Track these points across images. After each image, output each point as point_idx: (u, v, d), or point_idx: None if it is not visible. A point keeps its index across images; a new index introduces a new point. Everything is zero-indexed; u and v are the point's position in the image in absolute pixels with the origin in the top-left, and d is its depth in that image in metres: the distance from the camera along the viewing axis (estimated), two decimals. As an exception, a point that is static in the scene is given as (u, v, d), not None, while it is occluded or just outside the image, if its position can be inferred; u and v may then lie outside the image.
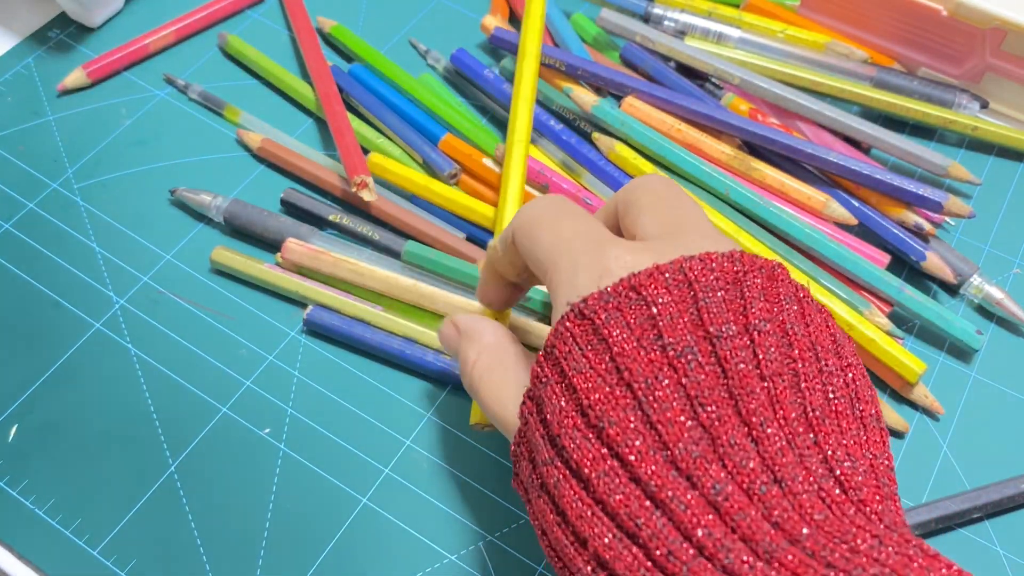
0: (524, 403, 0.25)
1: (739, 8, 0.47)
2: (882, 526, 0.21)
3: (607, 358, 0.23)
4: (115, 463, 0.34)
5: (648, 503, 0.21)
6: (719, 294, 0.23)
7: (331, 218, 0.39)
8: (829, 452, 0.22)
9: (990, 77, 0.45)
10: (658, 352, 0.22)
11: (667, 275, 0.23)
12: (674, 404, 0.22)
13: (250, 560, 0.32)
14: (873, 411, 0.24)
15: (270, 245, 0.39)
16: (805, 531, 0.20)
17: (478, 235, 0.39)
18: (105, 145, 0.43)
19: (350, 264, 0.37)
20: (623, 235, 0.29)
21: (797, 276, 0.37)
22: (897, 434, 0.36)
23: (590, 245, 0.25)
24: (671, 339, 0.22)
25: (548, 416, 0.23)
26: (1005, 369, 0.38)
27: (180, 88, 0.45)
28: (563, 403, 0.23)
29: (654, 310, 0.23)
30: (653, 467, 0.21)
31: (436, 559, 0.32)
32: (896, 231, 0.39)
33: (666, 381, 0.22)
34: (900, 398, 0.37)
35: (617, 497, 0.21)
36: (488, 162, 0.41)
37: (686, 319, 0.23)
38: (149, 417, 0.35)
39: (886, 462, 0.23)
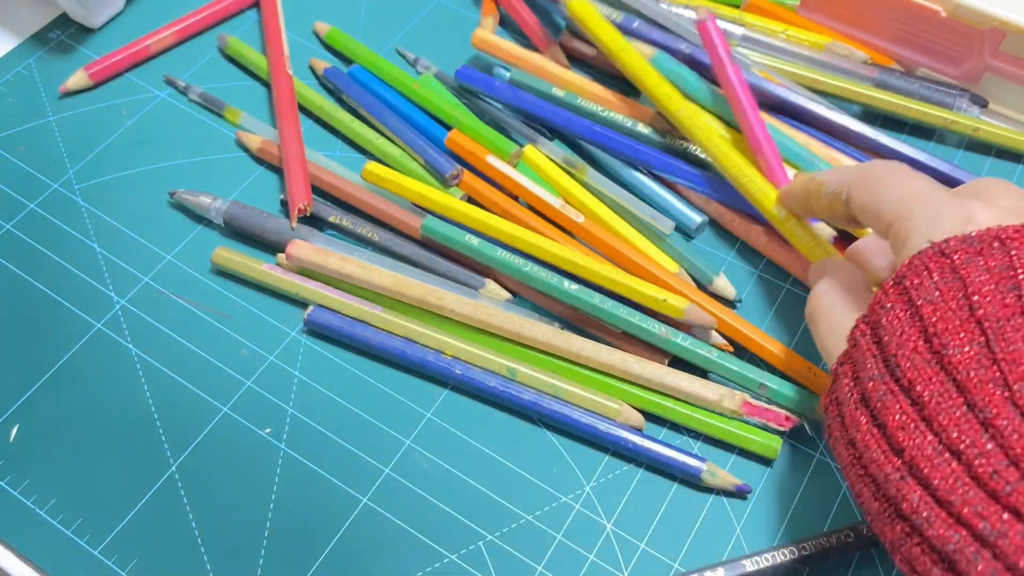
0: (858, 326, 0.26)
1: (739, 8, 0.47)
2: None
3: (960, 295, 0.24)
4: (116, 463, 0.34)
5: (979, 426, 0.22)
6: None
7: (331, 219, 0.39)
8: None
9: (989, 77, 0.45)
10: (1013, 299, 0.23)
11: None
12: (1021, 346, 0.23)
13: (251, 560, 0.32)
14: None
15: (270, 246, 0.39)
16: None
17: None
18: (106, 146, 0.43)
19: (357, 262, 0.37)
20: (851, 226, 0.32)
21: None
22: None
23: (950, 198, 0.27)
24: (978, 303, 0.24)
25: (885, 338, 0.25)
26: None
27: (180, 89, 0.45)
28: (906, 327, 0.24)
29: (1015, 261, 0.24)
30: (991, 396, 0.22)
31: (436, 559, 0.32)
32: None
33: (1016, 325, 0.23)
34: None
35: (948, 415, 0.23)
36: (492, 160, 0.41)
37: (1002, 283, 0.24)
38: (150, 417, 0.35)
39: None
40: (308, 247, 0.38)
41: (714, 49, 0.41)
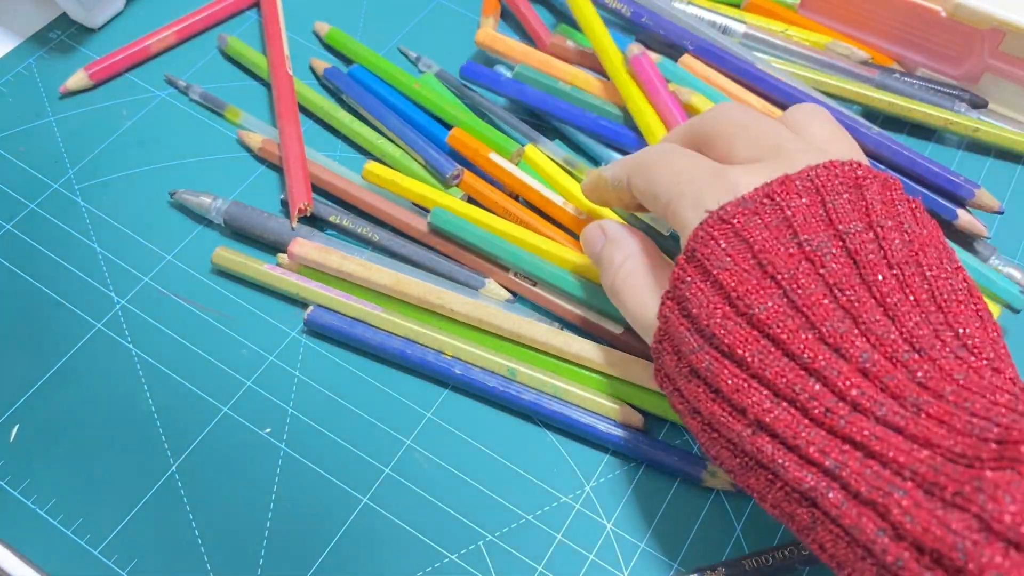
0: (664, 304, 0.27)
1: (740, 8, 0.47)
2: (1018, 388, 0.23)
3: (749, 256, 0.25)
4: (116, 463, 0.34)
5: (803, 372, 0.24)
6: (844, 196, 0.26)
7: (331, 219, 0.39)
8: (960, 330, 0.25)
9: (988, 77, 0.45)
10: (795, 248, 0.25)
11: (797, 183, 0.26)
12: (815, 291, 0.25)
13: (251, 560, 0.32)
14: (986, 309, 0.26)
15: (270, 246, 0.39)
16: (948, 388, 0.22)
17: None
18: (106, 146, 0.43)
19: (359, 260, 0.37)
20: None
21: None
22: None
23: (711, 172, 0.28)
24: (806, 236, 0.25)
25: (694, 311, 0.26)
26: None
27: (181, 89, 0.45)
28: (709, 296, 0.26)
29: (788, 212, 0.26)
30: (804, 342, 0.24)
31: (436, 559, 0.32)
32: (927, 192, 0.40)
33: (805, 271, 0.25)
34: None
35: (773, 369, 0.24)
36: (495, 157, 0.41)
37: (817, 219, 0.26)
38: (150, 417, 0.35)
39: (1004, 346, 0.26)
40: (310, 245, 0.38)
41: (651, 84, 0.41)
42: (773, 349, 0.24)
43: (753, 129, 0.30)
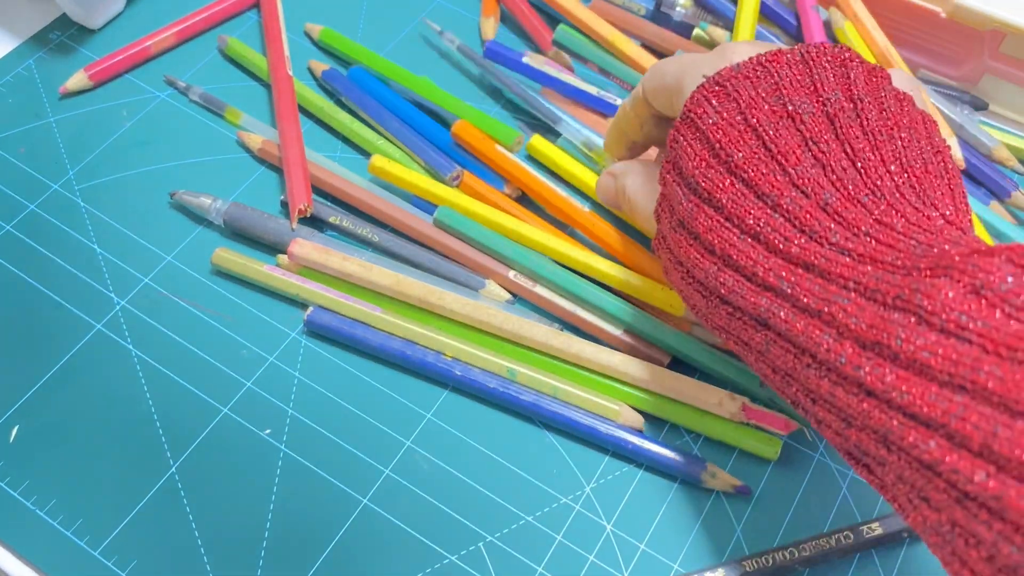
0: (662, 167, 0.30)
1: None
2: (968, 235, 0.25)
3: (736, 111, 0.28)
4: (116, 464, 0.34)
5: (769, 210, 0.26)
6: (829, 71, 0.28)
7: (331, 220, 0.39)
8: (923, 189, 0.27)
9: (988, 79, 0.45)
10: (779, 107, 0.28)
11: (788, 56, 0.29)
12: (791, 141, 0.27)
13: (251, 560, 0.32)
14: (962, 188, 0.28)
15: (270, 247, 0.39)
16: (899, 223, 0.25)
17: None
18: (106, 147, 0.43)
19: (359, 261, 0.37)
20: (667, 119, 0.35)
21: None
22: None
23: (712, 53, 0.31)
24: (790, 97, 0.28)
25: (684, 167, 0.28)
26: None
27: (181, 90, 0.45)
28: (697, 149, 0.28)
29: (776, 78, 0.28)
30: (774, 183, 0.26)
31: (436, 559, 0.32)
32: (986, 168, 0.41)
33: (785, 127, 0.27)
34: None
35: (743, 209, 0.26)
36: (501, 149, 0.41)
37: (803, 85, 0.28)
38: (150, 418, 0.35)
39: (971, 220, 0.27)
40: (310, 246, 0.38)
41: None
42: (746, 191, 0.27)
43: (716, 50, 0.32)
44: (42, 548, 0.32)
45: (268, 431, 0.35)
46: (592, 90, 0.43)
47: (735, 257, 0.26)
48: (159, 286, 0.38)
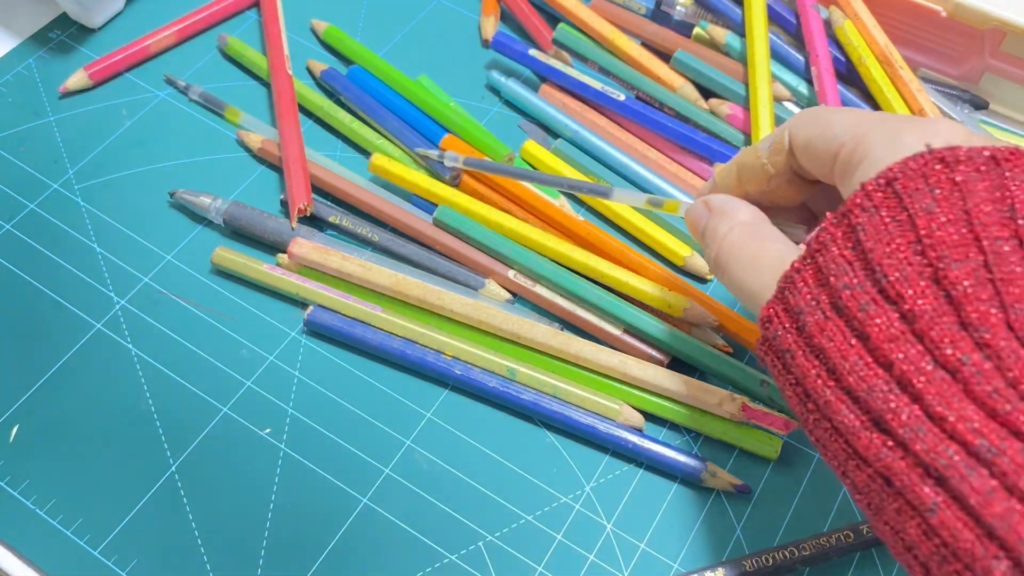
0: (826, 228, 0.24)
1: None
2: None
3: (959, 208, 0.23)
4: (116, 463, 0.34)
5: (975, 345, 0.21)
6: None
7: (331, 219, 0.39)
8: None
9: (989, 78, 0.45)
10: (1009, 218, 0.22)
11: (1017, 154, 0.23)
12: (1017, 269, 0.22)
13: (251, 560, 0.32)
14: None
15: (270, 247, 0.39)
16: None
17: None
18: (106, 146, 0.43)
19: (359, 260, 0.37)
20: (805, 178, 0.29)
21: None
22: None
23: (909, 119, 0.25)
24: (1023, 212, 0.23)
25: (868, 243, 0.23)
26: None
27: (180, 89, 0.45)
28: (894, 233, 0.23)
29: (1013, 185, 0.23)
30: (987, 316, 0.21)
31: (436, 559, 0.32)
32: None
33: (1013, 246, 0.22)
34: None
35: (940, 331, 0.21)
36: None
37: (998, 204, 0.23)
38: (150, 417, 0.35)
39: None
40: (310, 245, 0.38)
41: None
42: (950, 311, 0.22)
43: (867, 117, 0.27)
44: (42, 547, 0.32)
45: (268, 430, 0.35)
46: (596, 85, 0.43)
47: (919, 387, 0.21)
48: (159, 285, 0.38)
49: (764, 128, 0.40)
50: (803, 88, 0.43)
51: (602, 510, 0.34)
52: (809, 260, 0.24)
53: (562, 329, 0.37)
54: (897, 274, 0.22)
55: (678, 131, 0.42)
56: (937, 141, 0.24)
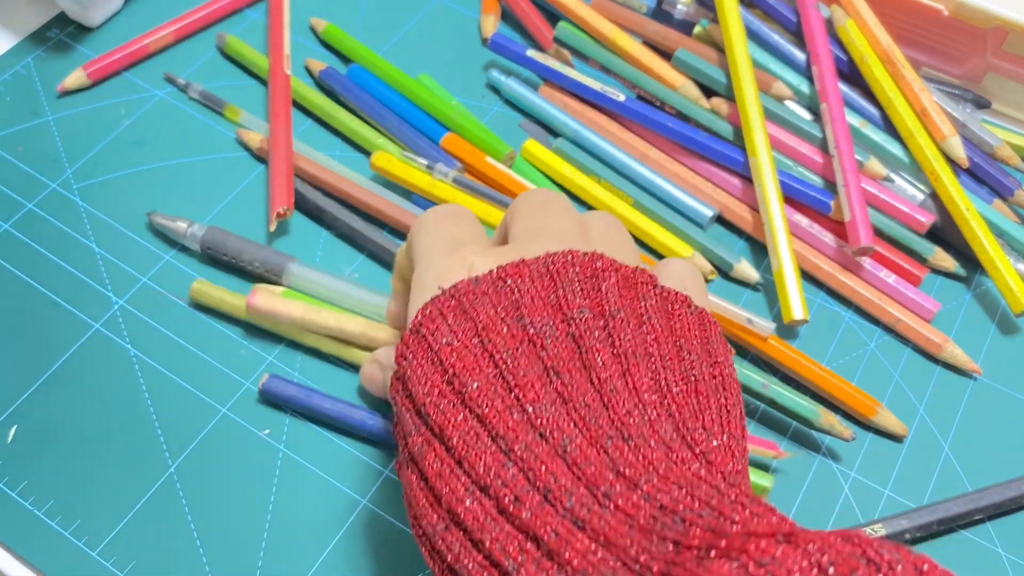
0: (392, 384, 0.26)
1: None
2: (724, 482, 0.22)
3: (472, 333, 0.25)
4: (114, 464, 0.34)
5: (502, 456, 0.22)
6: (577, 285, 0.26)
7: (326, 212, 0.39)
8: (682, 420, 0.24)
9: (991, 77, 0.44)
10: (519, 329, 0.25)
11: (531, 267, 0.26)
12: (531, 372, 0.24)
13: (250, 561, 0.32)
14: (738, 407, 0.26)
15: (249, 275, 0.38)
16: (644, 479, 0.21)
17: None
18: (104, 145, 0.42)
19: (326, 310, 0.35)
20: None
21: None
22: (896, 438, 0.36)
23: (456, 245, 0.28)
24: (531, 318, 0.25)
25: (413, 389, 0.25)
26: (1007, 371, 0.38)
27: (180, 87, 0.44)
28: (428, 373, 0.24)
29: (517, 295, 0.25)
30: (510, 423, 0.23)
31: (436, 560, 0.32)
32: (989, 166, 0.41)
33: (525, 353, 0.24)
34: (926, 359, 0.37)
35: (475, 452, 0.23)
36: (492, 161, 0.41)
37: (546, 303, 0.25)
38: (148, 418, 0.35)
39: (743, 447, 0.25)
40: (269, 296, 0.35)
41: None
42: (480, 430, 0.23)
43: (538, 211, 0.29)
44: (40, 548, 0.32)
45: (267, 431, 0.35)
46: (595, 85, 0.43)
47: (461, 515, 0.22)
48: (158, 285, 0.38)
49: (756, 128, 0.40)
50: (804, 87, 0.43)
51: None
52: (396, 416, 0.26)
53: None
54: (435, 409, 0.24)
55: (679, 130, 0.42)
56: (473, 272, 0.26)
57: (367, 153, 0.43)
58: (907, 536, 0.33)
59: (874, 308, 0.38)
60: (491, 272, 0.26)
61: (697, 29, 0.45)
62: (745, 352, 0.37)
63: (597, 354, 0.24)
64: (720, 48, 0.44)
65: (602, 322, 0.25)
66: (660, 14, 0.46)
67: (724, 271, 0.40)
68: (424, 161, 0.39)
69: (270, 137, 0.41)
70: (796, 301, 0.37)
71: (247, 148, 0.43)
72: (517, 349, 0.24)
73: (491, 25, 0.47)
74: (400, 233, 0.40)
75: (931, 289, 0.40)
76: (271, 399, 0.35)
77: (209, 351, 0.37)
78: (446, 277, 0.26)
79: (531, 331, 0.24)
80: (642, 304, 0.26)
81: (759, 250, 0.41)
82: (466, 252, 0.27)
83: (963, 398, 0.37)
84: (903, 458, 0.35)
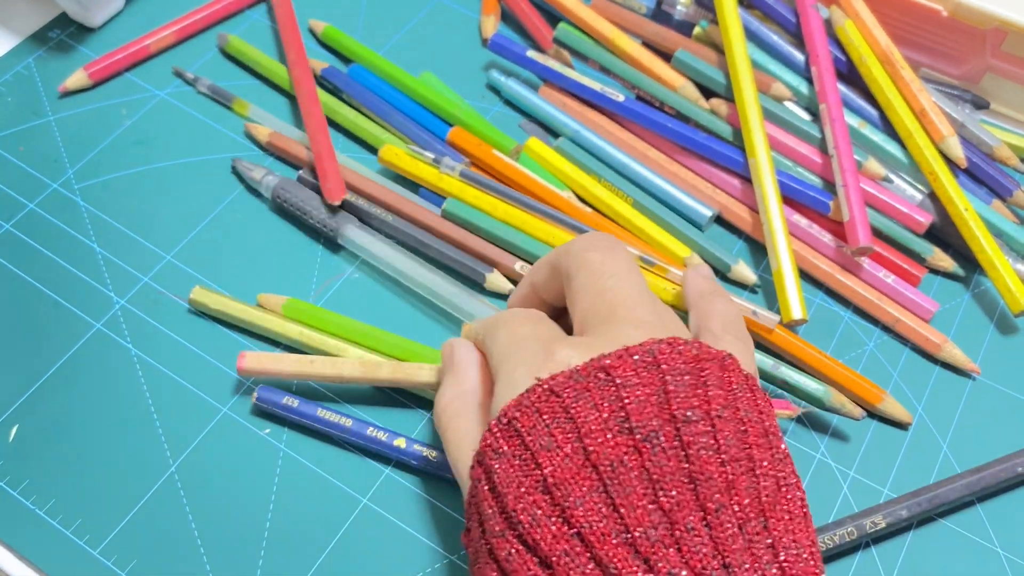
0: (474, 467, 0.25)
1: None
2: None
3: (574, 438, 0.23)
4: (116, 463, 0.34)
5: None
6: (686, 378, 0.24)
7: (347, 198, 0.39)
8: (777, 536, 0.23)
9: (990, 77, 0.45)
10: (625, 435, 0.23)
11: (636, 357, 0.24)
12: (637, 488, 0.22)
13: (250, 560, 0.32)
14: (805, 504, 0.25)
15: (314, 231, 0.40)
16: None
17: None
18: (105, 145, 0.43)
19: (320, 359, 0.35)
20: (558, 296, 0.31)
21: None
22: (901, 426, 0.36)
23: (541, 344, 0.26)
24: (638, 422, 0.23)
25: (501, 488, 0.23)
26: (1005, 371, 0.38)
27: (189, 81, 0.45)
28: (522, 476, 0.23)
29: (623, 393, 0.24)
30: (614, 550, 0.22)
31: (436, 559, 0.32)
32: (988, 167, 0.41)
33: (631, 464, 0.23)
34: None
35: (574, 573, 0.22)
36: (498, 154, 0.41)
37: (653, 401, 0.24)
38: (149, 417, 0.35)
39: (817, 547, 0.24)
40: (257, 357, 0.35)
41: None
42: (582, 551, 0.22)
43: (601, 283, 0.28)
44: (41, 547, 0.32)
45: (268, 431, 0.35)
46: (595, 86, 0.43)
47: None
48: (159, 285, 0.38)
49: (755, 129, 0.40)
50: (804, 88, 0.43)
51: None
52: (471, 494, 0.25)
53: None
54: (529, 519, 0.23)
55: (679, 131, 0.42)
56: (544, 372, 0.25)
57: (371, 149, 0.43)
58: (907, 525, 0.33)
59: (873, 308, 0.39)
60: (592, 362, 0.24)
61: (696, 30, 0.45)
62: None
63: (704, 465, 0.23)
64: (719, 49, 0.44)
65: (708, 424, 0.24)
66: (660, 15, 0.47)
67: (722, 272, 0.40)
68: (431, 155, 0.40)
69: (307, 130, 0.41)
70: (795, 301, 0.37)
71: (255, 142, 0.43)
72: (622, 460, 0.23)
73: (491, 26, 0.47)
74: (400, 234, 0.40)
75: (930, 289, 0.40)
76: (265, 410, 0.35)
77: (210, 351, 0.37)
78: (542, 369, 0.25)
79: (638, 437, 0.23)
80: (736, 394, 0.25)
81: (758, 250, 0.41)
82: (557, 346, 0.26)
83: (962, 398, 0.37)
84: (902, 457, 0.35)
